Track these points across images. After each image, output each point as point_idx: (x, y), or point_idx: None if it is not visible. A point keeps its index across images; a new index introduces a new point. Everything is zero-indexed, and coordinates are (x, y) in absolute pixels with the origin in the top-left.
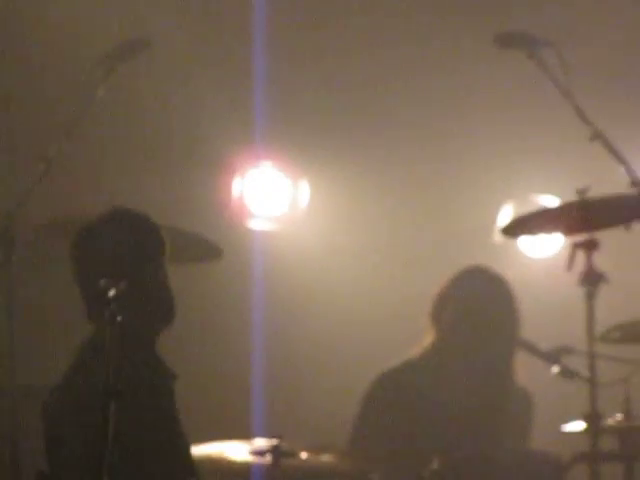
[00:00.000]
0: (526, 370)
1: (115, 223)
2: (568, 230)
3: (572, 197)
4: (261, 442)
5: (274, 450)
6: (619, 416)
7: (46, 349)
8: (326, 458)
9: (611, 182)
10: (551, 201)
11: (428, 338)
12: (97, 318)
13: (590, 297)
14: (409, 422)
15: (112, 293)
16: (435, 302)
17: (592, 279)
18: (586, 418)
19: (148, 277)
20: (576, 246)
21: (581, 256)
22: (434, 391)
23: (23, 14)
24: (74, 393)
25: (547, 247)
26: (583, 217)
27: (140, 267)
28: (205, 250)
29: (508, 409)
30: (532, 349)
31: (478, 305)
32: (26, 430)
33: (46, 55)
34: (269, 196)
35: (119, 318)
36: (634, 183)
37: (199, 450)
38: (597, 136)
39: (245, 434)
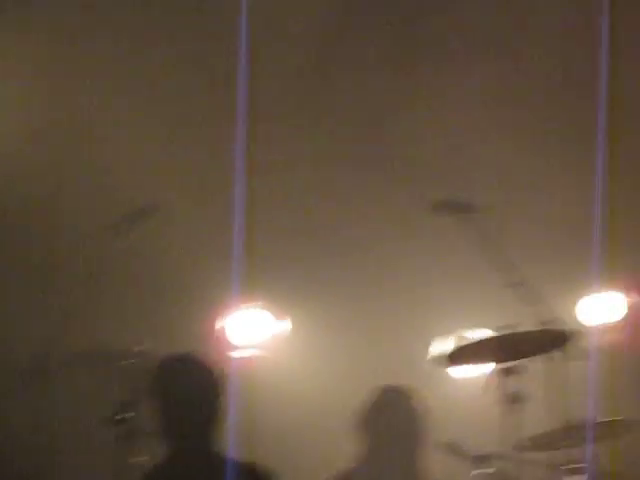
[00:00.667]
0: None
1: (188, 365)
2: (494, 358)
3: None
4: None
5: None
6: None
7: None
8: None
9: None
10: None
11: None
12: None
13: (511, 413)
14: None
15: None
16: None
17: (512, 399)
18: None
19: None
20: (499, 372)
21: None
22: None
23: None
24: None
25: (470, 371)
26: (510, 347)
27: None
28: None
29: None
30: (461, 453)
31: (393, 419)
32: None
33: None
34: (252, 329)
35: None
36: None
37: None
38: (515, 284)
39: None
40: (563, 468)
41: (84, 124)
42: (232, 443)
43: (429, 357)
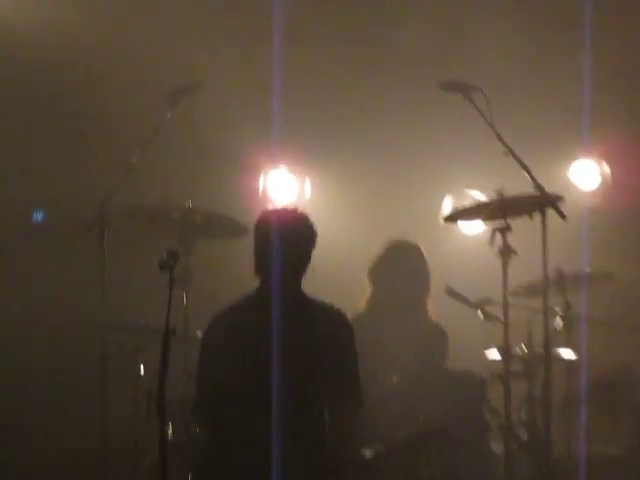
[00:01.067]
0: (459, 314)
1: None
2: (490, 217)
3: (493, 194)
4: None
5: None
6: (523, 347)
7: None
8: None
9: (520, 185)
10: (478, 195)
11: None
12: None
13: (504, 264)
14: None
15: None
16: (372, 265)
17: (506, 252)
18: (501, 349)
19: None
20: (495, 229)
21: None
22: (377, 329)
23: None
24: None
25: (476, 228)
26: (501, 209)
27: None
28: (235, 228)
29: (429, 338)
30: (464, 300)
31: (402, 268)
32: None
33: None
34: (283, 190)
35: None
36: (534, 187)
37: None
38: (509, 153)
39: None
40: (556, 309)
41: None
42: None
43: (440, 214)
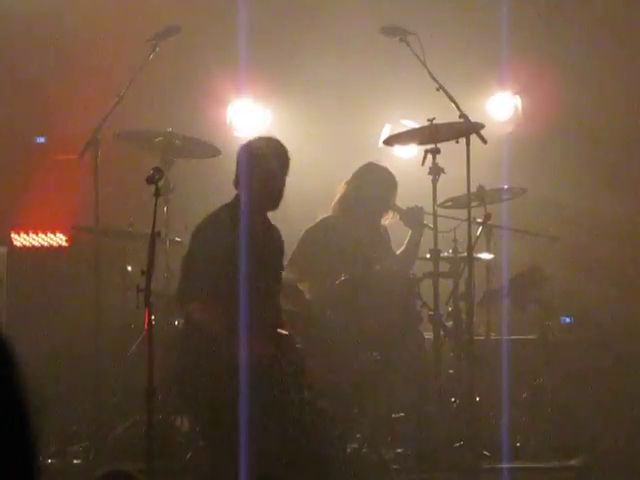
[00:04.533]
0: (395, 222)
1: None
2: (422, 141)
3: (425, 122)
4: None
5: None
6: (450, 250)
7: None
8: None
9: (448, 114)
10: (412, 124)
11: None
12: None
13: (434, 181)
14: (327, 250)
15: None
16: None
17: (436, 171)
18: (431, 251)
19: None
20: (427, 151)
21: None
22: (344, 230)
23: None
24: None
25: (410, 151)
26: (432, 134)
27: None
28: (210, 150)
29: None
30: (400, 211)
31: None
32: None
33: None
34: (247, 118)
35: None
36: (460, 116)
37: None
38: (440, 88)
39: None
40: (478, 219)
41: None
42: None
43: (380, 138)
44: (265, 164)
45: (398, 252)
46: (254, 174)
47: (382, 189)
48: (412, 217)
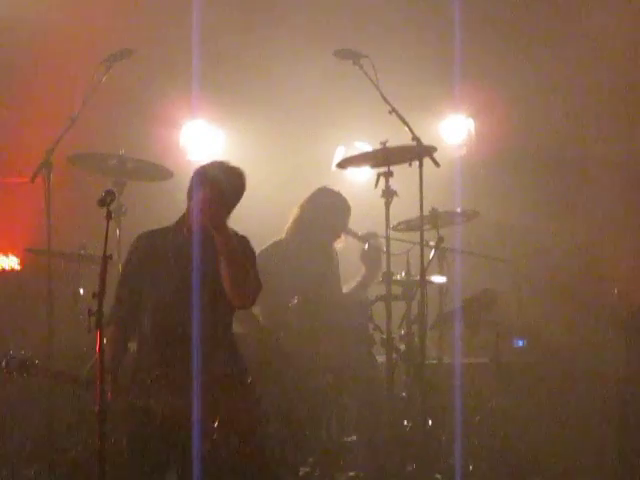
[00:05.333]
0: (350, 246)
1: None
2: (375, 164)
3: (378, 145)
4: None
5: None
6: (403, 273)
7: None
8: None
9: (400, 137)
10: (365, 146)
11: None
12: None
13: (387, 204)
14: (279, 273)
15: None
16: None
17: (389, 194)
18: (383, 275)
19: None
20: (379, 174)
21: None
22: (297, 253)
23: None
24: None
25: (363, 174)
26: (385, 157)
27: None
28: (162, 173)
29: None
30: (354, 234)
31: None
32: None
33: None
34: (200, 141)
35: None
36: (413, 139)
37: None
38: (393, 111)
39: None
40: (430, 243)
41: None
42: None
43: (333, 161)
44: (214, 187)
45: (345, 289)
46: (196, 196)
47: (335, 214)
48: (369, 255)
